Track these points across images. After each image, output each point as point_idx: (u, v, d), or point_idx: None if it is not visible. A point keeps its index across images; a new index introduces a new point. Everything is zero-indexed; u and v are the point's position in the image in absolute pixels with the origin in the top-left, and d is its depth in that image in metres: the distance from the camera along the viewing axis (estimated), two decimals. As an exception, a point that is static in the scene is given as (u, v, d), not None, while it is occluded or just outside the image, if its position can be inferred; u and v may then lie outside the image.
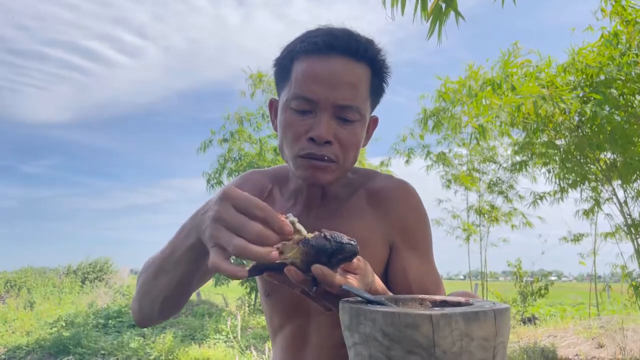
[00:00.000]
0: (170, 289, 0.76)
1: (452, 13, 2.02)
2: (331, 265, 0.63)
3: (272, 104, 0.96)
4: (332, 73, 0.83)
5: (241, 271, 0.58)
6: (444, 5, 2.00)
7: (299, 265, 0.63)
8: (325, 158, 0.83)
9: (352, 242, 0.63)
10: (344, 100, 0.83)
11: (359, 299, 0.61)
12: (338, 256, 0.62)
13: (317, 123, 0.83)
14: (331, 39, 0.84)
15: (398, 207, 0.94)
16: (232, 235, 0.58)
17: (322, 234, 0.62)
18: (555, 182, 5.73)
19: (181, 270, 0.73)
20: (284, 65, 0.88)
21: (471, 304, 0.58)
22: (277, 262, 0.61)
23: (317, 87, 0.83)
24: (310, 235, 0.63)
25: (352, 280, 0.67)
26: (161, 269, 0.76)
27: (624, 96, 4.31)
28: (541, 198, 6.78)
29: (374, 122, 0.96)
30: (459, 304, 0.60)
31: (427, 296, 0.66)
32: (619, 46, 4.28)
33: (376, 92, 0.90)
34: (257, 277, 1.02)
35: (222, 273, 0.58)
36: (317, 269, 0.62)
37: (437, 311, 0.50)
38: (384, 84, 0.92)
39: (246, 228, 0.57)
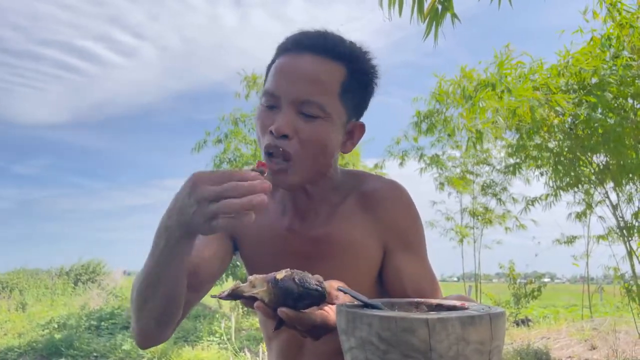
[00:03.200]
0: (167, 295, 0.76)
1: (448, 14, 2.04)
2: (298, 308, 0.64)
3: None
4: (295, 68, 0.84)
5: (249, 218, 0.63)
6: (440, 7, 2.02)
7: (267, 303, 0.64)
8: (280, 150, 0.81)
9: (320, 287, 0.64)
10: (304, 95, 0.82)
11: (356, 302, 0.61)
12: (304, 301, 0.63)
13: (278, 116, 0.82)
14: (300, 37, 0.86)
15: (390, 209, 0.93)
16: (221, 202, 0.62)
17: (292, 276, 0.63)
18: (549, 185, 5.77)
19: (175, 266, 0.74)
20: (268, 68, 0.90)
21: (467, 308, 0.58)
22: (247, 294, 0.65)
23: (279, 81, 0.84)
24: (280, 275, 0.64)
25: (324, 313, 0.66)
26: (152, 281, 0.75)
27: (617, 99, 4.35)
28: (533, 203, 6.82)
29: (360, 128, 0.92)
30: (454, 308, 0.60)
31: (422, 300, 0.67)
32: (612, 49, 4.31)
33: (354, 92, 0.87)
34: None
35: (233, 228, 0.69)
36: (283, 312, 0.63)
37: (433, 315, 0.50)
38: (365, 87, 0.89)
39: (228, 191, 0.63)
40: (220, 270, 0.94)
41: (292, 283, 0.63)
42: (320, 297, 0.64)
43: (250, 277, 0.67)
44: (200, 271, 0.87)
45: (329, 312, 0.67)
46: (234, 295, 0.67)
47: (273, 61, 0.89)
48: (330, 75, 0.84)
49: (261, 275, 0.66)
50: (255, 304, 0.65)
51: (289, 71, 0.84)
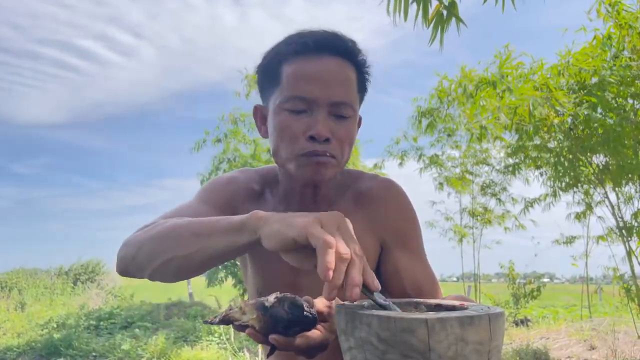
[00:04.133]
0: (189, 262, 0.73)
1: (453, 18, 2.04)
2: (288, 334, 0.64)
3: (257, 111, 0.96)
4: (325, 71, 0.84)
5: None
6: (445, 12, 2.02)
7: (258, 330, 0.64)
8: (327, 154, 0.84)
9: (310, 313, 0.64)
10: (339, 96, 0.84)
11: (355, 303, 0.61)
12: (295, 327, 0.63)
13: (314, 121, 0.83)
14: (321, 39, 0.86)
15: (386, 207, 0.94)
16: (327, 234, 0.57)
17: (281, 303, 0.63)
18: (549, 185, 5.77)
19: (215, 251, 0.70)
20: (270, 70, 0.89)
21: (466, 308, 0.58)
22: (237, 324, 0.64)
23: (311, 86, 0.83)
24: (271, 301, 0.64)
25: (317, 333, 0.66)
26: (188, 240, 0.72)
27: (617, 99, 4.35)
28: (532, 204, 6.82)
29: (360, 120, 0.96)
30: (453, 308, 0.60)
31: (421, 300, 0.66)
32: (612, 49, 4.32)
33: (361, 88, 0.91)
34: (250, 280, 1.02)
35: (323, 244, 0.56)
36: (274, 339, 0.63)
37: (432, 315, 0.50)
38: (366, 82, 0.93)
39: (342, 243, 0.58)
40: None
41: (281, 310, 0.63)
42: (311, 323, 0.64)
43: (241, 304, 0.67)
44: None
45: (322, 330, 0.67)
46: (225, 321, 0.67)
47: (279, 62, 0.87)
48: (352, 75, 0.88)
49: (251, 302, 0.66)
50: (247, 331, 0.65)
51: (319, 75, 0.84)
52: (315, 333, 0.66)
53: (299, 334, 0.64)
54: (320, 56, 0.85)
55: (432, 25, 2.04)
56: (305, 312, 0.63)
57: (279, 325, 0.63)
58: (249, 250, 0.75)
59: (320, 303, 0.68)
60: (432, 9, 2.04)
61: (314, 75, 0.84)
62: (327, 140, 0.83)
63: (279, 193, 0.96)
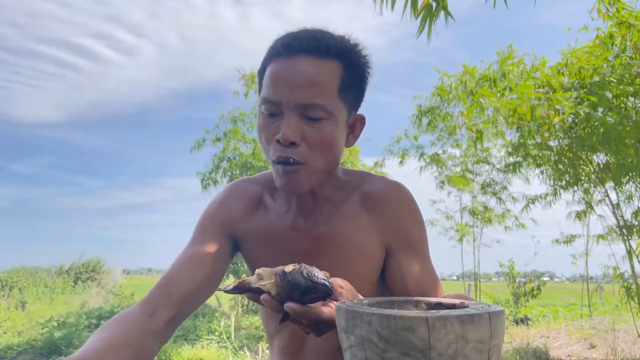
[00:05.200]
0: None
1: (442, 12, 2.04)
2: (304, 301, 0.64)
3: None
4: (292, 73, 0.83)
5: None
6: (434, 4, 2.01)
7: (274, 296, 0.65)
8: (291, 160, 0.83)
9: (327, 282, 0.64)
10: (306, 99, 0.82)
11: (355, 301, 0.61)
12: (311, 295, 0.64)
13: (282, 125, 0.83)
14: (290, 40, 0.85)
15: (392, 209, 0.94)
16: None
17: (300, 270, 0.64)
18: (549, 184, 5.77)
19: None
20: (260, 72, 0.90)
21: (466, 307, 0.58)
22: (255, 286, 0.64)
23: (278, 89, 0.83)
24: (289, 268, 0.64)
25: (327, 309, 0.67)
26: None
27: (617, 98, 4.35)
28: (533, 202, 6.82)
29: (361, 120, 0.93)
30: (453, 306, 0.60)
31: (422, 298, 0.66)
32: (614, 48, 4.32)
33: (351, 87, 0.87)
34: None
35: None
36: (290, 307, 0.63)
37: (433, 313, 0.50)
38: (361, 79, 0.90)
39: None
40: (204, 286, 0.89)
41: (299, 276, 0.63)
42: (327, 292, 0.64)
43: (258, 270, 0.67)
44: (174, 289, 0.85)
45: (334, 308, 0.67)
46: (240, 288, 0.67)
47: (264, 66, 0.88)
48: (328, 75, 0.84)
49: (269, 268, 0.66)
50: (262, 296, 0.65)
51: (286, 77, 0.83)
52: (328, 309, 0.66)
53: (314, 304, 0.65)
54: (292, 57, 0.84)
55: (420, 16, 2.03)
56: (322, 281, 0.64)
57: (296, 291, 0.63)
58: None
59: (334, 282, 0.69)
60: (421, 1, 2.03)
61: (281, 77, 0.83)
62: (294, 144, 0.82)
63: (281, 195, 0.96)
